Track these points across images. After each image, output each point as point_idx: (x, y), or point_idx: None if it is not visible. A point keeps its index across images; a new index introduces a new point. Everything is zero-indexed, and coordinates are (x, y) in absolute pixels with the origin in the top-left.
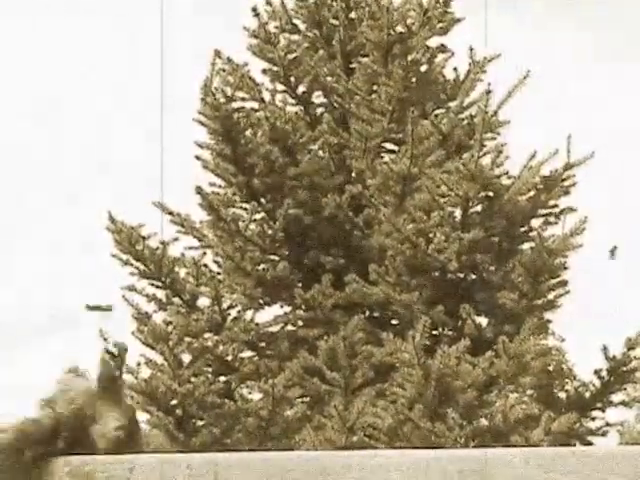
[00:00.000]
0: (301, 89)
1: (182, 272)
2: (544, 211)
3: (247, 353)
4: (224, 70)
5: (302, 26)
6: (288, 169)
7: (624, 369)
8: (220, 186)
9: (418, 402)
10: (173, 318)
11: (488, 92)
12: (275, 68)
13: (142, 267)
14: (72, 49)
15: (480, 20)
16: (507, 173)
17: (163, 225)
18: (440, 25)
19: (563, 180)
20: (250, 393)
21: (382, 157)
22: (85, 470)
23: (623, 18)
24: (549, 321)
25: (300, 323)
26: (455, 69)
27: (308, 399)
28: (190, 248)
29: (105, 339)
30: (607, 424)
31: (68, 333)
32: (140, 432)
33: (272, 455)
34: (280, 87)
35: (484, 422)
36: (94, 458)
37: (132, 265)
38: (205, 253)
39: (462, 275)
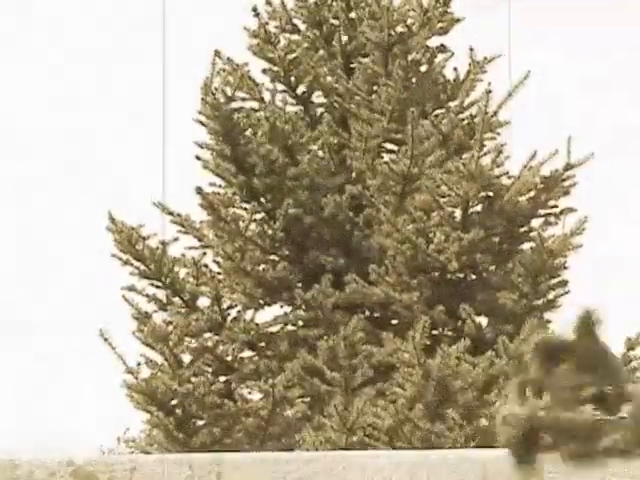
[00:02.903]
0: (301, 89)
1: (182, 272)
2: (544, 211)
3: (247, 353)
4: (224, 70)
5: (302, 26)
6: (288, 169)
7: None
8: (220, 186)
9: (418, 402)
10: (173, 318)
11: (488, 92)
12: (275, 68)
13: (142, 267)
14: (71, 49)
15: (480, 20)
16: (507, 173)
17: (165, 225)
18: (440, 25)
19: (563, 180)
20: (250, 393)
21: (382, 157)
22: (88, 470)
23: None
24: (549, 321)
25: (300, 323)
26: (455, 69)
27: (308, 399)
28: (190, 248)
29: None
30: None
31: None
32: None
33: (277, 455)
34: (280, 87)
35: (484, 422)
36: (96, 459)
37: (132, 265)
38: (205, 253)
39: (462, 275)
